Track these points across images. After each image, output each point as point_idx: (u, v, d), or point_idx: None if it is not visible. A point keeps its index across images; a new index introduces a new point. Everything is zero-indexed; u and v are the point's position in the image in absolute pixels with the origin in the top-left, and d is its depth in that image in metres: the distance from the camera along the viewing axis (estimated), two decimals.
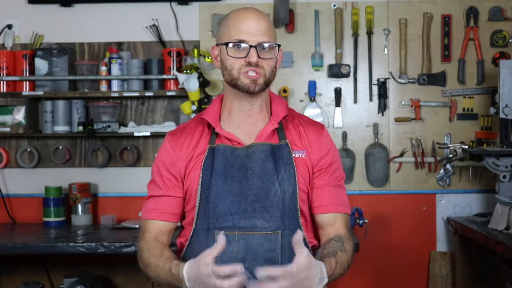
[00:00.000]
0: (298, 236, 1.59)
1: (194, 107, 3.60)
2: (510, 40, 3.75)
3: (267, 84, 1.88)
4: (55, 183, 3.73)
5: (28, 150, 3.82)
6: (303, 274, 1.60)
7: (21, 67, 3.72)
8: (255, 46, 1.82)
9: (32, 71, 3.72)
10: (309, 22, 3.81)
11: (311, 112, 3.75)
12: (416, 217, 3.81)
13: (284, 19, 3.64)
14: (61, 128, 3.70)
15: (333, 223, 1.91)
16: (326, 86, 3.81)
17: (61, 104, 3.71)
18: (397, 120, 3.79)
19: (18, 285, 3.66)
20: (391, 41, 3.80)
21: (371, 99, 3.80)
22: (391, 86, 3.80)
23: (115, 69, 3.68)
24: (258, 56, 1.82)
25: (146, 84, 3.74)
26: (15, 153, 3.83)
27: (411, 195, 3.81)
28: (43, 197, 3.70)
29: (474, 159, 3.75)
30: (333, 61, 3.80)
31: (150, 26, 3.79)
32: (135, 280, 3.70)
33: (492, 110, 3.59)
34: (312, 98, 3.77)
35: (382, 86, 3.78)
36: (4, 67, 3.69)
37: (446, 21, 3.79)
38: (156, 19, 3.79)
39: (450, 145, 3.61)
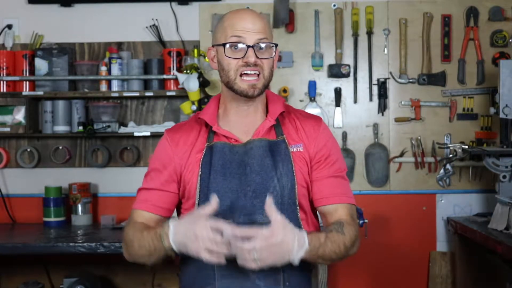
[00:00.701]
0: (269, 202, 1.68)
1: (194, 107, 3.60)
2: (510, 40, 3.75)
3: (266, 86, 1.88)
4: (55, 183, 3.73)
5: (28, 150, 3.82)
6: (278, 237, 1.66)
7: (21, 67, 3.72)
8: (252, 46, 1.82)
9: (32, 71, 3.72)
10: (309, 22, 3.80)
11: (311, 112, 3.65)
12: (416, 217, 3.81)
13: (284, 19, 3.64)
14: (61, 128, 3.70)
15: (335, 213, 1.89)
16: (326, 86, 3.81)
17: (61, 104, 3.71)
18: (397, 120, 3.79)
19: (18, 285, 3.66)
20: (391, 41, 3.80)
21: (371, 99, 3.80)
22: (391, 86, 3.80)
23: (115, 69, 3.68)
24: (256, 56, 1.82)
25: (146, 84, 3.74)
26: (15, 153, 3.83)
27: (411, 195, 3.81)
28: (43, 197, 3.69)
29: (474, 159, 3.75)
30: (333, 61, 3.80)
31: (150, 26, 3.79)
32: (135, 280, 3.69)
33: (492, 110, 3.59)
34: (312, 98, 3.77)
35: (382, 86, 3.78)
36: (4, 67, 3.69)
37: (446, 21, 3.79)
38: (156, 19, 3.79)
39: (450, 145, 3.61)
